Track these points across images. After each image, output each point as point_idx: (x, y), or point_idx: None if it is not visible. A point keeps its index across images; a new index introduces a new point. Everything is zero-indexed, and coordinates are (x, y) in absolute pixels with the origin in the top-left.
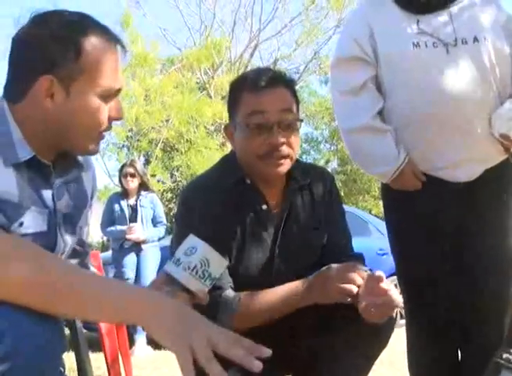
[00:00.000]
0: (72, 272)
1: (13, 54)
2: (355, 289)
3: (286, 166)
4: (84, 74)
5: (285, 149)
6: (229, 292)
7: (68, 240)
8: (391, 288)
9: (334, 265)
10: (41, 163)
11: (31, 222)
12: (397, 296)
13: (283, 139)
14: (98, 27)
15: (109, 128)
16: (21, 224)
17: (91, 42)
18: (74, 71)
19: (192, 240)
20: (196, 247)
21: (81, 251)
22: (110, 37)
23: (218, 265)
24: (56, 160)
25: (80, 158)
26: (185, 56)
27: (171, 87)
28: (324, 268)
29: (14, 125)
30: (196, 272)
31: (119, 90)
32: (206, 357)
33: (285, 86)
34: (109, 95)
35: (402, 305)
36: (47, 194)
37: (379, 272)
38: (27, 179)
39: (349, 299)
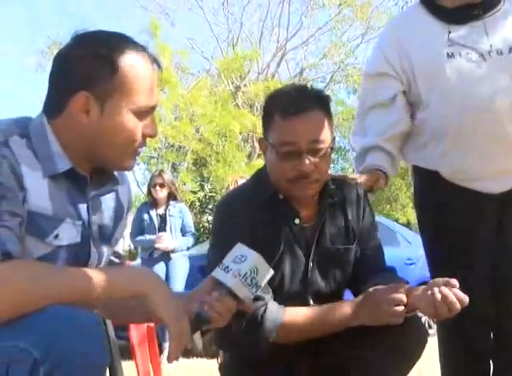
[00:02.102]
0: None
1: (53, 72)
2: (403, 309)
3: (314, 189)
4: (120, 91)
5: (314, 175)
6: (272, 305)
7: (104, 252)
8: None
9: (380, 287)
10: (78, 174)
11: (65, 234)
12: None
13: (312, 167)
14: (135, 46)
15: (143, 144)
16: (56, 236)
17: (128, 60)
18: (110, 88)
19: (240, 248)
20: (246, 256)
21: (117, 263)
22: (147, 57)
23: (265, 273)
24: (93, 173)
25: (115, 172)
26: (215, 66)
27: (200, 98)
28: (370, 290)
29: (53, 138)
30: (246, 280)
31: (154, 107)
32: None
33: (318, 107)
34: (144, 113)
35: (467, 302)
36: (82, 206)
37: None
38: (65, 190)
39: (400, 319)
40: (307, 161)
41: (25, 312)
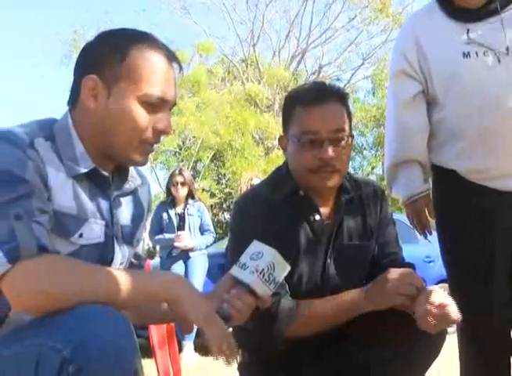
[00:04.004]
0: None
1: (75, 65)
2: (414, 290)
3: (335, 179)
4: (127, 77)
5: (335, 163)
6: (287, 300)
7: (126, 252)
8: (452, 303)
9: (393, 269)
10: (100, 175)
11: (89, 233)
12: (456, 312)
13: (333, 154)
14: (151, 40)
15: (155, 140)
16: (81, 235)
17: (138, 49)
18: (117, 73)
19: (257, 245)
20: (263, 252)
21: (136, 264)
22: (163, 52)
23: (282, 269)
24: (114, 174)
25: (135, 173)
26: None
27: (222, 100)
28: (383, 273)
29: (77, 139)
30: (263, 276)
31: (166, 102)
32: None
33: (336, 100)
34: (153, 104)
35: (460, 321)
36: (105, 206)
37: (441, 288)
38: (88, 190)
39: (409, 302)
40: (329, 150)
41: (57, 306)
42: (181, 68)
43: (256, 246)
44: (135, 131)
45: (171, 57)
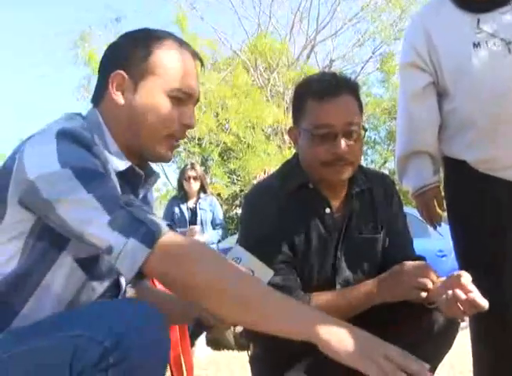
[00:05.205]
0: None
1: (100, 62)
2: (430, 284)
3: (348, 172)
4: (153, 72)
5: (348, 157)
6: (299, 293)
7: None
8: (476, 290)
9: (408, 262)
10: (135, 173)
11: None
12: (483, 298)
13: (346, 148)
14: (175, 38)
15: (181, 134)
16: None
17: (163, 45)
18: (144, 69)
19: (236, 250)
20: (241, 258)
21: None
22: (186, 48)
23: (263, 274)
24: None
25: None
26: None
27: (227, 90)
28: (397, 265)
29: (109, 136)
30: None
31: (191, 96)
32: (392, 370)
33: (349, 92)
34: (179, 98)
35: (487, 308)
36: None
37: (464, 273)
38: (120, 189)
39: (424, 294)
40: (343, 143)
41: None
42: (202, 65)
43: (236, 251)
44: (163, 124)
45: (194, 54)
